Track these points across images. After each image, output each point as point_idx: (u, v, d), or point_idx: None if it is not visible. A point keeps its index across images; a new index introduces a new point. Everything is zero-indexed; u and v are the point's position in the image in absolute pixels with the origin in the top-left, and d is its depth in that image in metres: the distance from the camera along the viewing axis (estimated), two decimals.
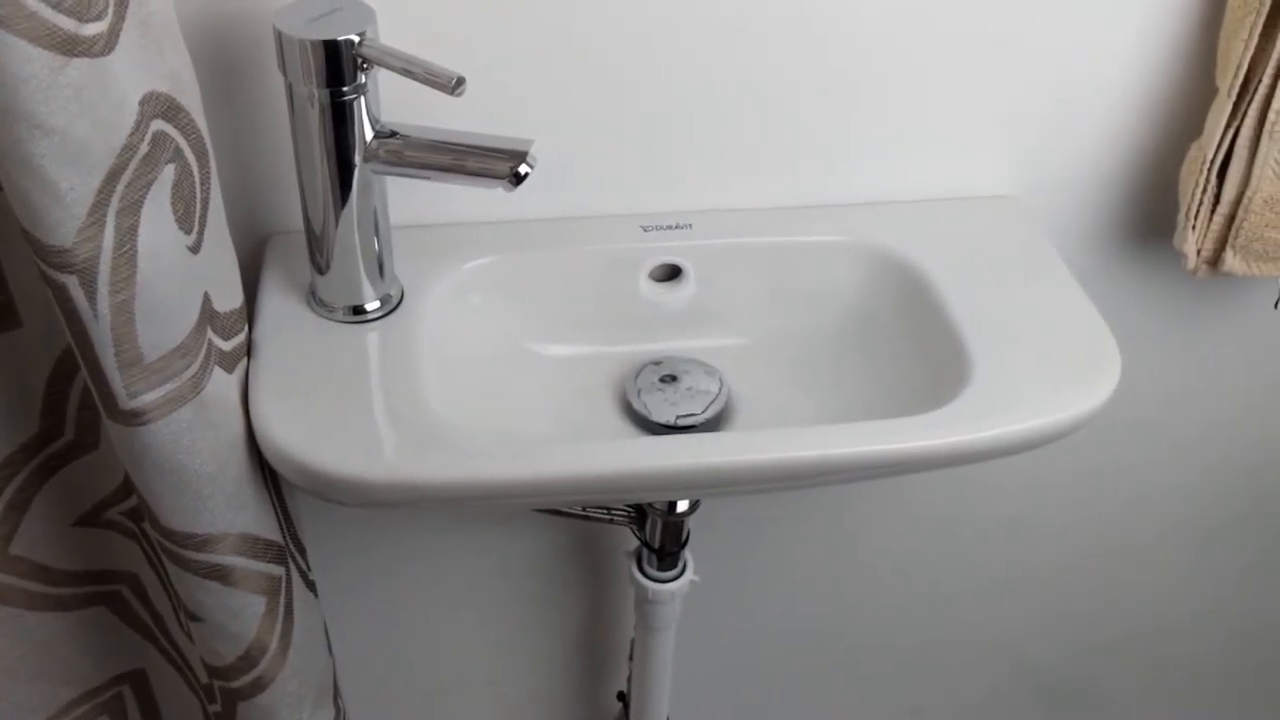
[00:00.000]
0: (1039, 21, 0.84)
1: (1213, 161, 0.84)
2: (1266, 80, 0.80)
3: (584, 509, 0.95)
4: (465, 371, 0.80)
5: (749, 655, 1.24)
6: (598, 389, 0.85)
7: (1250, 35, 0.79)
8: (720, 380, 0.83)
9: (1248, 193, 0.84)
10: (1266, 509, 1.23)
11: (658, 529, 0.94)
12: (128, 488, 0.79)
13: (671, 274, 0.87)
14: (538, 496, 0.77)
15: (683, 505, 0.91)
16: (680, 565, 0.97)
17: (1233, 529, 1.24)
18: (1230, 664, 1.40)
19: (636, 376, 0.84)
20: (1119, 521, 1.21)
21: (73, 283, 0.58)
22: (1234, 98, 0.82)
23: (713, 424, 0.82)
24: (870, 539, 1.16)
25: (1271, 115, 0.81)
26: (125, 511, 0.81)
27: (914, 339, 0.83)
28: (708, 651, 1.22)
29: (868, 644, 1.27)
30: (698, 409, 0.81)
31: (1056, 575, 1.25)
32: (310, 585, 0.85)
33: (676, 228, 0.87)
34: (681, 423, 0.81)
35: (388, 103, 0.75)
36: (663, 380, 0.83)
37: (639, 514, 0.94)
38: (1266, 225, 0.86)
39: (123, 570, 0.85)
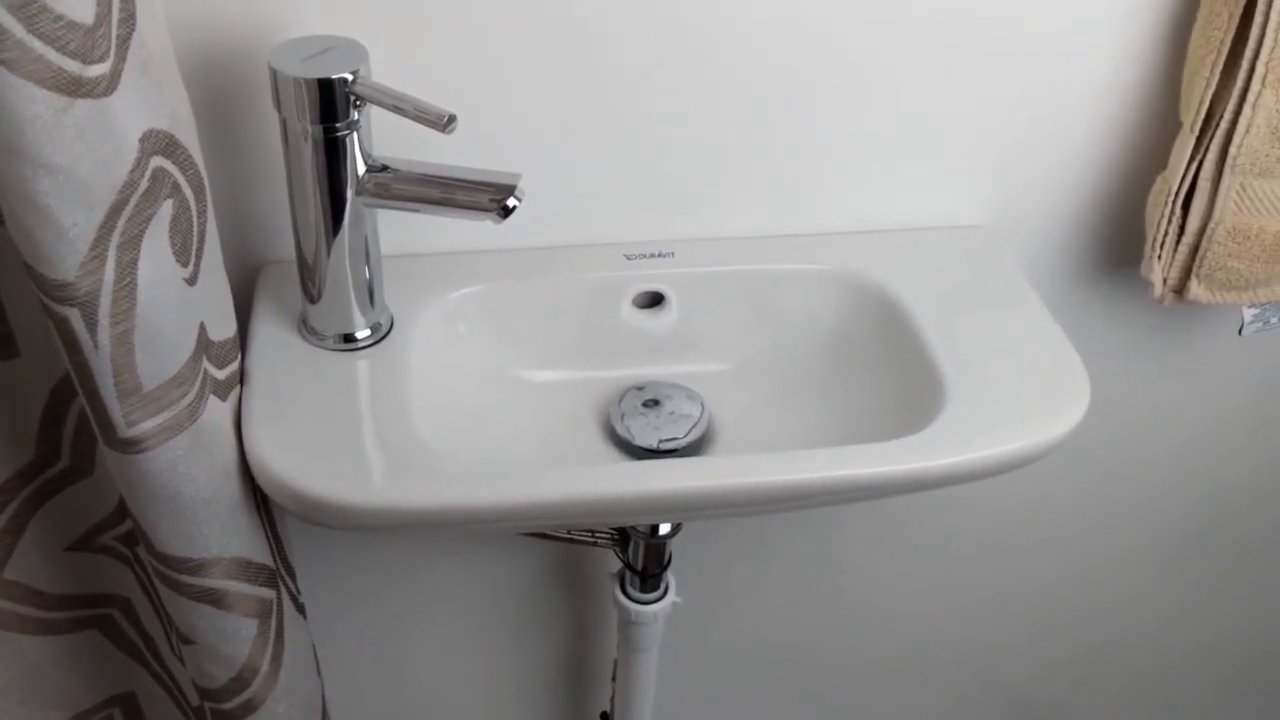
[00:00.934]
0: (1011, 58, 0.86)
1: (1177, 193, 0.87)
2: (1228, 116, 0.83)
3: (568, 532, 0.97)
4: (453, 397, 0.82)
5: (731, 676, 1.26)
6: (582, 414, 0.87)
7: (1211, 74, 0.82)
8: (702, 405, 0.85)
9: (1211, 224, 0.87)
10: (1232, 528, 1.25)
11: (640, 551, 0.96)
12: (121, 512, 0.81)
13: (654, 301, 0.89)
14: (523, 521, 0.78)
15: (665, 528, 0.93)
16: (662, 587, 0.99)
17: (1200, 547, 1.27)
18: (1199, 676, 1.42)
19: (620, 401, 0.86)
20: (1090, 541, 1.23)
21: (74, 315, 0.60)
22: (1197, 132, 0.84)
23: (695, 448, 0.83)
24: (847, 561, 1.18)
25: (1232, 149, 0.83)
26: (119, 536, 0.82)
27: (890, 365, 0.85)
28: (690, 672, 1.24)
29: (846, 663, 1.28)
30: (680, 433, 0.83)
31: (1028, 593, 1.27)
32: (300, 608, 0.87)
33: (659, 256, 0.89)
34: (664, 446, 0.83)
35: (377, 136, 0.77)
36: (646, 405, 0.85)
37: (622, 536, 0.96)
38: (1229, 255, 0.88)
39: (115, 594, 0.86)
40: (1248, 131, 0.82)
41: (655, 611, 0.99)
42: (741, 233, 0.92)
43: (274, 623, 0.80)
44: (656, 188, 0.88)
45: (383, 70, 0.76)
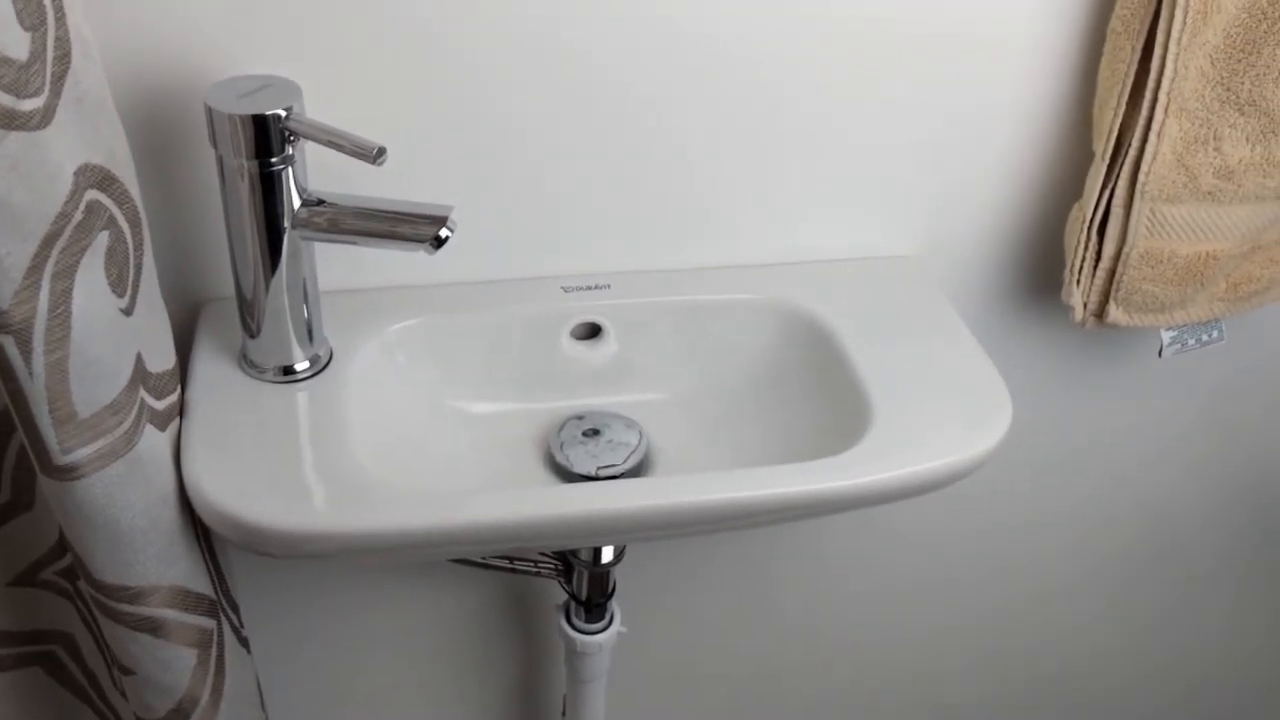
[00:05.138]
0: (934, 96, 0.89)
1: (1092, 220, 0.90)
2: (1135, 145, 0.86)
3: (511, 561, 0.98)
4: (393, 428, 0.83)
5: (680, 707, 1.26)
6: (522, 443, 0.88)
7: (1118, 105, 0.85)
8: (640, 433, 0.87)
9: (1125, 249, 0.90)
10: (1166, 552, 1.27)
11: (584, 581, 0.97)
12: (63, 547, 0.81)
13: (592, 332, 0.91)
14: (463, 545, 0.79)
15: (607, 555, 0.94)
16: (607, 616, 1.00)
17: (1136, 574, 1.29)
18: (1144, 703, 1.44)
19: (559, 431, 0.87)
20: (1029, 572, 1.25)
21: (9, 342, 0.61)
22: (1108, 161, 0.88)
23: (633, 474, 0.85)
24: (792, 592, 1.19)
25: (1141, 177, 0.87)
26: (60, 571, 0.82)
27: (821, 392, 0.87)
28: (640, 704, 1.24)
29: (794, 691, 1.29)
30: (618, 460, 0.85)
31: (975, 623, 1.28)
32: (243, 641, 0.87)
33: (596, 288, 0.91)
34: (603, 473, 0.84)
35: (310, 171, 0.78)
36: (585, 434, 0.87)
37: (565, 566, 0.97)
38: (1144, 279, 0.91)
39: (57, 630, 0.86)
40: (1154, 159, 0.86)
41: (600, 642, 0.99)
42: (676, 265, 0.94)
43: (214, 653, 0.80)
44: (592, 221, 0.91)
45: (317, 108, 0.79)
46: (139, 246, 0.70)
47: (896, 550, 1.19)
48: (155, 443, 0.72)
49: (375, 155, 0.69)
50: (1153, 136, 0.85)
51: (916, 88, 0.89)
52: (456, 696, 1.17)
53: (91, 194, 0.64)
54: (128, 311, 0.69)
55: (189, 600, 0.76)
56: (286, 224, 0.75)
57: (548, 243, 0.91)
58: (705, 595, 1.16)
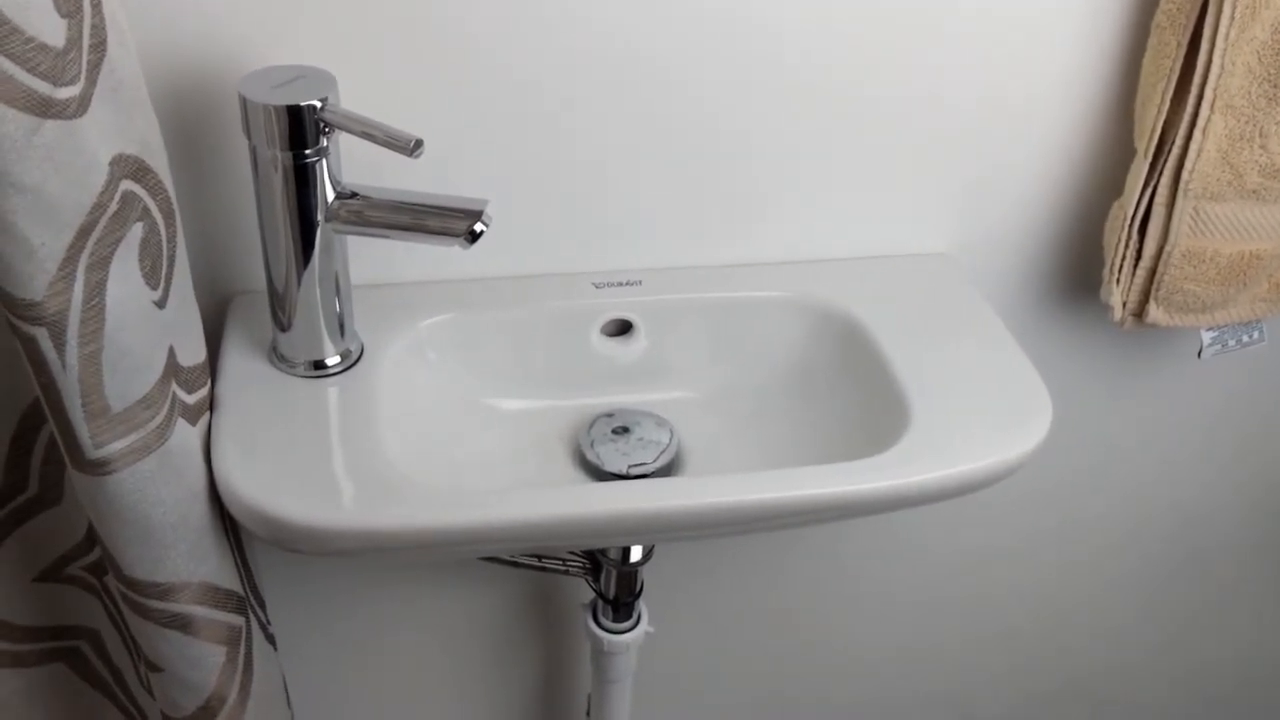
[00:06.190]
0: (970, 90, 0.88)
1: (1133, 218, 0.89)
2: (1179, 142, 0.85)
3: (539, 560, 0.97)
4: (422, 424, 0.82)
5: (703, 707, 1.25)
6: (552, 441, 0.87)
7: (1162, 101, 0.84)
8: (671, 431, 0.86)
9: (1167, 247, 0.89)
10: (1201, 557, 1.26)
11: (612, 580, 0.96)
12: (90, 541, 0.80)
13: (623, 329, 0.90)
14: (493, 543, 0.79)
15: (636, 554, 0.93)
16: (634, 616, 0.99)
17: (1170, 578, 1.27)
18: (1176, 706, 1.42)
19: (590, 428, 0.86)
20: (1058, 576, 1.24)
21: (42, 335, 0.60)
22: (1150, 158, 0.87)
23: (664, 473, 0.84)
24: (820, 593, 1.18)
25: (1185, 174, 0.86)
26: (87, 566, 0.82)
27: (856, 390, 0.86)
28: (664, 707, 1.23)
29: (818, 696, 1.28)
30: (649, 458, 0.84)
31: (1005, 628, 1.27)
32: (270, 638, 0.86)
33: (627, 284, 0.90)
34: (633, 472, 0.83)
35: (343, 163, 0.78)
36: (615, 432, 0.86)
37: (593, 565, 0.96)
38: (1185, 278, 0.90)
39: (83, 626, 0.85)
40: (1199, 156, 0.85)
41: (627, 641, 0.98)
42: (708, 261, 0.93)
43: (242, 650, 0.79)
44: (624, 217, 0.90)
45: (350, 100, 0.78)
46: (172, 238, 0.69)
47: (924, 553, 1.18)
48: (186, 437, 0.71)
49: (412, 148, 0.68)
50: (1197, 133, 0.84)
51: (950, 83, 0.88)
52: (480, 694, 1.17)
53: (126, 184, 0.63)
54: (160, 304, 0.68)
55: (218, 597, 0.76)
56: (320, 217, 0.74)
57: (579, 238, 0.90)
58: (731, 596, 1.15)
